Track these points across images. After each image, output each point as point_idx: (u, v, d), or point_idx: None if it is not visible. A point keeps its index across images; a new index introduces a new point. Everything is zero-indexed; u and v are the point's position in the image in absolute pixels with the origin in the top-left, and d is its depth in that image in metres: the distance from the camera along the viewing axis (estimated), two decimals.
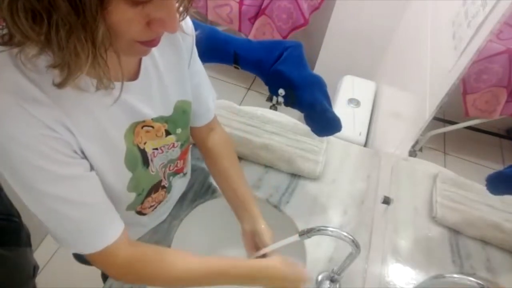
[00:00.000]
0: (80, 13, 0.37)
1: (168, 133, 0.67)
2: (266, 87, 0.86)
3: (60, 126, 0.49)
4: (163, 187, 0.76)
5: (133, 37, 0.45)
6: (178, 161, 0.76)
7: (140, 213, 0.74)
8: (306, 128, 0.87)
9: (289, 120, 1.16)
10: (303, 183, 0.98)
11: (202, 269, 0.63)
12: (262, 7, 1.97)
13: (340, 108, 1.43)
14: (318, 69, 1.98)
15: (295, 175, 0.99)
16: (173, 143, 0.70)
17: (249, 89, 2.48)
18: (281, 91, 0.83)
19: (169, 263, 0.61)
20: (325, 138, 1.04)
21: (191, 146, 0.83)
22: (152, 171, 0.68)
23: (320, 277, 0.80)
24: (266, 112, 1.16)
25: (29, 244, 0.91)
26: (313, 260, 0.83)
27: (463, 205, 0.66)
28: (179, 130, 0.69)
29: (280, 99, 0.84)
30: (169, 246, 0.83)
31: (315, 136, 0.87)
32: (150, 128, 0.63)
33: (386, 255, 0.76)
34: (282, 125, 1.06)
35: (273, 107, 1.03)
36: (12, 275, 0.84)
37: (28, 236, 0.91)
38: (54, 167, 0.49)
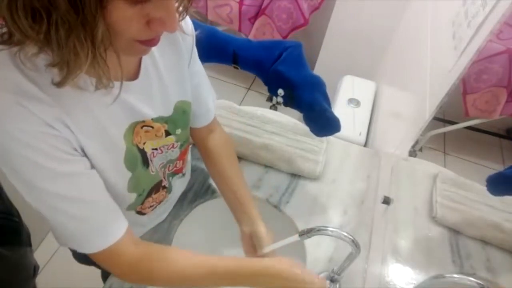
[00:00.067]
0: (80, 12, 0.37)
1: (168, 133, 0.67)
2: (266, 87, 0.86)
3: (60, 124, 0.49)
4: (164, 187, 0.76)
5: (132, 36, 0.45)
6: (178, 162, 0.76)
7: (140, 213, 0.74)
8: (306, 128, 0.87)
9: (289, 120, 1.16)
10: (303, 183, 0.98)
11: (208, 268, 0.62)
12: (262, 7, 1.97)
13: (340, 108, 1.43)
14: (318, 69, 1.98)
15: (295, 175, 0.99)
16: (173, 144, 0.70)
17: (249, 89, 2.48)
18: (281, 91, 0.83)
19: (174, 262, 0.61)
20: (325, 138, 1.04)
21: (191, 146, 0.83)
22: (152, 171, 0.68)
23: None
24: (266, 112, 1.16)
25: (29, 244, 0.91)
26: (313, 260, 0.83)
27: (463, 205, 0.66)
28: (178, 131, 0.69)
29: (280, 99, 0.84)
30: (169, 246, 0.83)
31: (315, 136, 0.87)
32: (150, 128, 0.63)
33: (386, 255, 0.76)
34: (282, 125, 1.06)
35: (273, 107, 1.03)
36: (12, 275, 0.84)
37: (28, 236, 0.91)
38: (54, 164, 0.49)
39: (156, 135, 0.65)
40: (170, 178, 0.77)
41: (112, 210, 0.58)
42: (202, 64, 0.74)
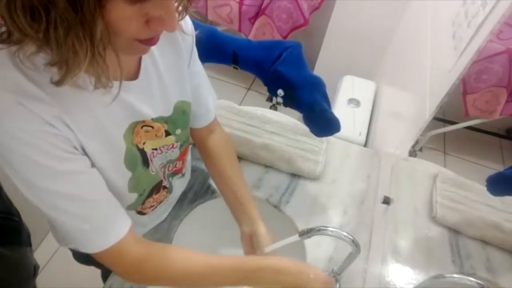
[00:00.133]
0: (78, 10, 0.37)
1: (167, 133, 0.67)
2: (266, 87, 0.86)
3: (60, 123, 0.49)
4: (164, 187, 0.76)
5: (132, 35, 0.45)
6: (177, 162, 0.76)
7: (140, 213, 0.74)
8: (306, 128, 0.87)
9: (289, 120, 1.16)
10: (303, 183, 0.98)
11: (211, 264, 0.62)
12: (262, 7, 1.97)
13: (340, 108, 1.43)
14: (318, 69, 1.98)
15: (295, 175, 0.99)
16: (173, 144, 0.70)
17: (249, 89, 2.48)
18: (280, 92, 0.83)
19: (176, 261, 0.61)
20: (325, 138, 1.04)
21: (190, 146, 0.83)
22: (152, 171, 0.68)
23: None
24: (266, 112, 1.16)
25: (29, 244, 0.91)
26: (313, 260, 0.83)
27: (463, 205, 0.66)
28: (178, 131, 0.69)
29: (280, 100, 0.84)
30: None
31: (315, 136, 0.87)
32: (150, 128, 0.63)
33: (386, 255, 0.76)
34: (282, 125, 1.06)
35: (273, 107, 1.03)
36: (12, 275, 0.84)
37: (28, 236, 0.91)
38: (54, 163, 0.49)
39: (156, 135, 0.65)
40: (170, 178, 0.77)
41: (114, 209, 0.58)
42: (202, 64, 0.74)
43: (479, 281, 0.50)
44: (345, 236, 0.64)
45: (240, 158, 0.99)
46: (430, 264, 0.67)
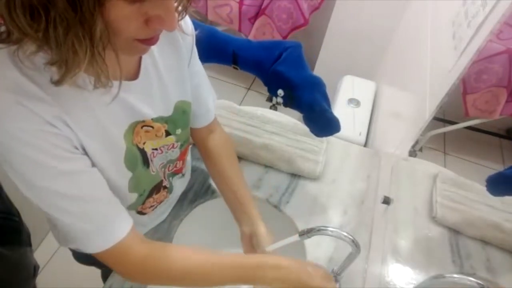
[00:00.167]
0: (78, 10, 0.37)
1: (168, 133, 0.67)
2: (266, 87, 0.86)
3: (60, 122, 0.49)
4: (165, 187, 0.76)
5: (131, 34, 0.45)
6: (178, 162, 0.76)
7: (140, 212, 0.74)
8: (306, 128, 0.87)
9: (289, 120, 1.16)
10: (303, 183, 0.98)
11: (212, 261, 0.62)
12: (262, 7, 1.97)
13: (340, 108, 1.43)
14: (318, 69, 1.98)
15: (295, 175, 0.99)
16: (173, 144, 0.70)
17: (249, 89, 2.48)
18: (280, 92, 0.83)
19: (178, 259, 0.61)
20: (325, 138, 1.04)
21: (190, 146, 0.83)
22: (153, 171, 0.68)
23: None
24: (266, 112, 1.16)
25: (29, 244, 0.91)
26: (313, 260, 0.83)
27: (463, 205, 0.66)
28: (179, 131, 0.69)
29: (280, 100, 0.84)
30: None
31: (315, 136, 0.87)
32: (150, 128, 0.63)
33: (386, 255, 0.76)
34: (282, 125, 1.06)
35: (273, 107, 1.03)
36: (12, 275, 0.84)
37: (28, 236, 0.91)
38: (54, 162, 0.49)
39: (156, 135, 0.65)
40: (170, 178, 0.77)
41: (115, 208, 0.58)
42: (202, 64, 0.74)
43: (479, 281, 0.50)
44: (345, 236, 0.64)
45: (240, 158, 0.99)
46: (430, 264, 0.67)
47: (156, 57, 0.60)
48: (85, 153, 0.54)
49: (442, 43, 0.83)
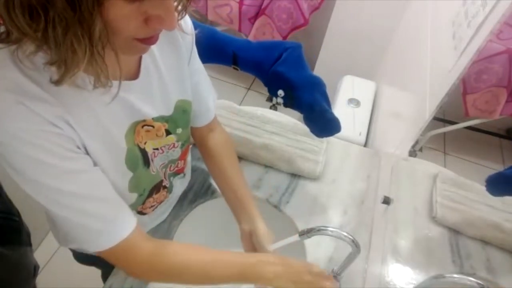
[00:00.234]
0: (76, 9, 0.37)
1: (168, 132, 0.67)
2: (266, 88, 0.86)
3: (62, 122, 0.49)
4: (164, 187, 0.76)
5: (130, 34, 0.45)
6: (179, 162, 0.76)
7: (141, 213, 0.74)
8: (306, 128, 0.87)
9: (289, 120, 1.16)
10: (303, 183, 0.98)
11: (213, 258, 0.62)
12: (262, 7, 1.97)
13: (340, 108, 1.43)
14: (318, 69, 1.98)
15: (295, 175, 0.99)
16: (174, 143, 0.70)
17: (249, 89, 2.48)
18: (281, 92, 0.83)
19: (180, 255, 0.61)
20: (325, 138, 1.04)
21: (191, 146, 0.83)
22: (153, 171, 0.68)
23: None
24: (266, 112, 1.16)
25: (29, 244, 0.91)
26: (313, 260, 0.83)
27: (463, 205, 0.66)
28: (179, 130, 0.69)
29: (280, 100, 0.84)
30: None
31: (315, 136, 0.87)
32: (151, 128, 0.63)
33: (386, 255, 0.76)
34: (282, 125, 1.06)
35: (273, 107, 1.03)
36: (12, 275, 0.84)
37: (28, 236, 0.91)
38: (56, 161, 0.49)
39: (156, 134, 0.65)
40: (171, 178, 0.77)
41: (119, 207, 0.58)
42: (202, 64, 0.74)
43: (479, 281, 0.50)
44: (345, 236, 0.64)
45: (240, 158, 0.99)
46: (430, 264, 0.67)
47: (156, 56, 0.60)
48: (87, 153, 0.54)
49: (442, 43, 0.83)
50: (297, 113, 0.87)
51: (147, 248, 0.59)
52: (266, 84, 0.85)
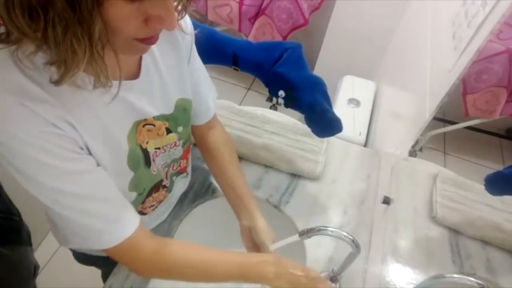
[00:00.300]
0: (76, 9, 0.37)
1: (169, 131, 0.67)
2: (266, 88, 0.86)
3: (64, 123, 0.49)
4: (164, 186, 0.76)
5: (130, 34, 0.45)
6: (181, 161, 0.76)
7: (141, 212, 0.74)
8: (306, 128, 0.87)
9: (289, 120, 1.16)
10: (303, 183, 0.98)
11: (212, 257, 0.63)
12: (262, 7, 1.97)
13: (340, 108, 1.43)
14: (318, 69, 1.98)
15: (295, 175, 0.99)
16: (175, 142, 0.70)
17: (249, 89, 2.48)
18: (281, 93, 0.83)
19: (181, 252, 0.62)
20: (325, 138, 1.04)
21: (191, 146, 0.83)
22: (154, 171, 0.68)
23: None
24: (266, 112, 1.16)
25: (29, 243, 0.91)
26: (313, 260, 0.83)
27: (463, 205, 0.66)
28: (180, 128, 0.69)
29: (280, 100, 0.84)
30: None
31: (315, 136, 0.87)
32: (152, 127, 0.63)
33: (386, 255, 0.76)
34: (282, 125, 1.06)
35: (273, 107, 1.03)
36: (13, 274, 0.84)
37: (28, 235, 0.91)
38: (56, 162, 0.49)
39: (157, 133, 0.65)
40: (174, 177, 0.77)
41: (123, 205, 0.58)
42: None
43: (479, 281, 0.50)
44: (345, 236, 0.64)
45: (240, 158, 0.99)
46: (430, 264, 0.67)
47: (156, 56, 0.60)
48: (89, 153, 0.54)
49: (442, 43, 0.83)
50: (297, 113, 0.87)
51: (150, 246, 0.59)
52: (266, 85, 0.85)
